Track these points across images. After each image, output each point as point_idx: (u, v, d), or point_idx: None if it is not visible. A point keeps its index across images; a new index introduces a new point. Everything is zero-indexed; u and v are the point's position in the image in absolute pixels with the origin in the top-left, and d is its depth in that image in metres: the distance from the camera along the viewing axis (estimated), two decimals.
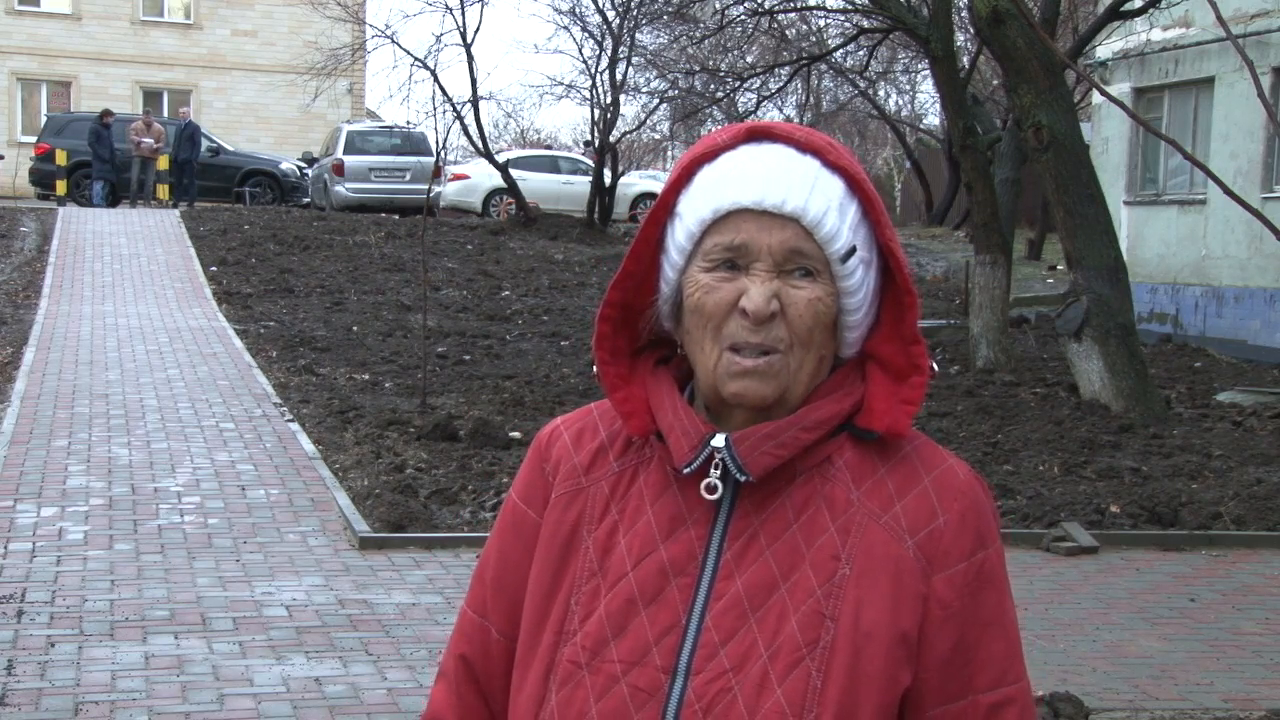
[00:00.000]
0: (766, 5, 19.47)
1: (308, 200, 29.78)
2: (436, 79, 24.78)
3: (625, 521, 1.54)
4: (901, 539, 1.49)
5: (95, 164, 27.06)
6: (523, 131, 43.34)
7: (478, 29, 41.98)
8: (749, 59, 26.50)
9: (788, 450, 1.48)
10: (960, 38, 23.95)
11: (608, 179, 26.49)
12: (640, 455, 1.57)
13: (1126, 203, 19.41)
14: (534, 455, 1.64)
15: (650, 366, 1.58)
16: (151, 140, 27.68)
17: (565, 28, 36.76)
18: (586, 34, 27.41)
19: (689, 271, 1.51)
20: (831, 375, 1.54)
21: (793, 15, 24.26)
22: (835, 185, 1.50)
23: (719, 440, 1.49)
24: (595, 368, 1.58)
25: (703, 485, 1.50)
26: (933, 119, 39.33)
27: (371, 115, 38.03)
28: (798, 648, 1.44)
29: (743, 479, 1.48)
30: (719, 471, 1.49)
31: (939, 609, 1.48)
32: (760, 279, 1.47)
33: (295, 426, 10.84)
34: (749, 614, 1.46)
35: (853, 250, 1.49)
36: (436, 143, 27.79)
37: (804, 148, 1.51)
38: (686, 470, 1.50)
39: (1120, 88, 19.36)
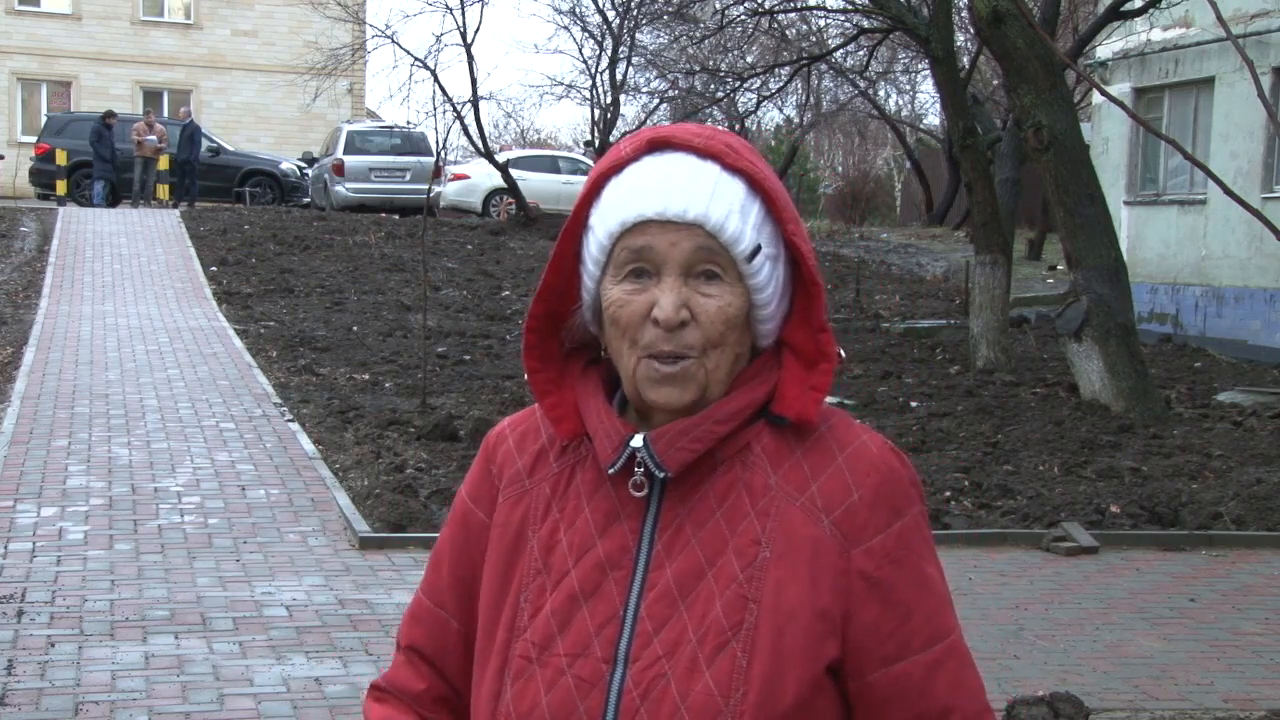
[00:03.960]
0: (766, 5, 19.47)
1: (308, 200, 29.77)
2: (436, 79, 24.79)
3: (565, 520, 1.61)
4: (818, 518, 1.55)
5: (96, 164, 27.06)
6: (523, 131, 43.34)
7: (478, 29, 42.05)
8: (749, 59, 26.51)
9: (703, 444, 1.55)
10: (960, 38, 23.96)
11: None
12: (577, 455, 1.64)
13: (1126, 203, 19.41)
14: (482, 457, 1.71)
15: (580, 369, 1.65)
16: (155, 139, 27.69)
17: (565, 28, 36.84)
18: (586, 34, 27.47)
19: (604, 283, 1.58)
20: (750, 364, 1.60)
21: (793, 15, 24.26)
22: (736, 188, 1.55)
23: (637, 440, 1.56)
24: (526, 376, 1.66)
25: (629, 484, 1.57)
26: (933, 119, 39.36)
27: (371, 115, 38.01)
28: (723, 630, 1.51)
29: (661, 475, 1.55)
30: (642, 469, 1.56)
31: (861, 581, 1.55)
32: (669, 287, 1.53)
33: (295, 426, 10.84)
34: (679, 601, 1.54)
35: (758, 249, 1.55)
36: (436, 143, 27.81)
37: (704, 154, 1.56)
38: (611, 470, 1.57)
39: (1120, 88, 19.36)
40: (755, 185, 1.56)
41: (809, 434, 1.59)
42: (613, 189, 1.58)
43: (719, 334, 1.54)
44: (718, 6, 21.23)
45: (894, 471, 1.59)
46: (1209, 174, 7.60)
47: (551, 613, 1.57)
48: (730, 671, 1.50)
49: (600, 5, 26.19)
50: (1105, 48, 19.81)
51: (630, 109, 36.40)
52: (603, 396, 1.61)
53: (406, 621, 1.74)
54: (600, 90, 26.72)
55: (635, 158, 1.58)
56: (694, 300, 1.53)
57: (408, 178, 28.08)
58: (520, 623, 1.59)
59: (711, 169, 1.55)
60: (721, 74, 23.34)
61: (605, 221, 1.56)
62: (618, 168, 1.58)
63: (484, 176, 28.52)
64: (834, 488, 1.56)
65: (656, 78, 28.69)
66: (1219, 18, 7.61)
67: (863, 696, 1.57)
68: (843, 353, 1.61)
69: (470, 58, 25.31)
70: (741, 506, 1.55)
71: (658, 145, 1.58)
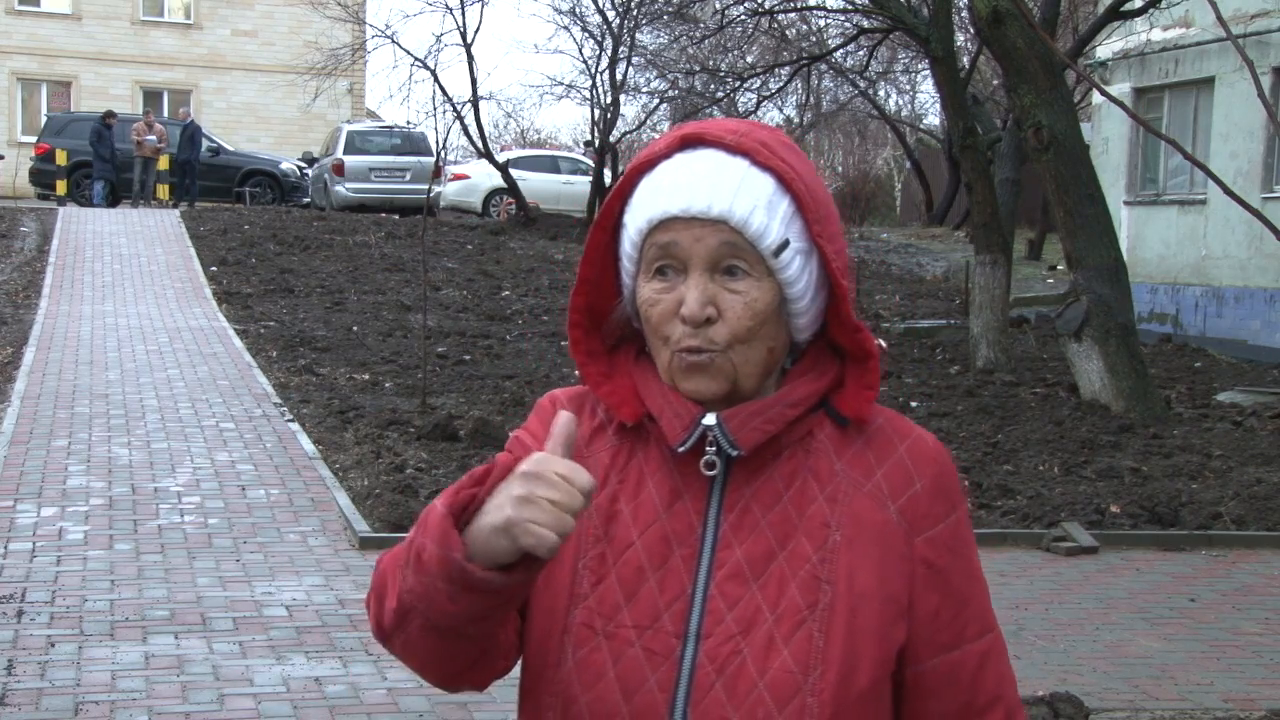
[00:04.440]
0: (766, 5, 19.47)
1: (308, 200, 29.77)
2: (436, 79, 24.80)
3: (626, 492, 1.61)
4: (884, 505, 1.60)
5: (96, 164, 27.06)
6: (523, 131, 43.32)
7: (478, 29, 42.06)
8: (749, 59, 26.50)
9: (775, 425, 1.58)
10: (960, 38, 23.96)
11: (608, 179, 26.49)
12: (637, 436, 1.64)
13: (1126, 203, 19.41)
14: (539, 416, 1.70)
15: (630, 360, 1.66)
16: (154, 139, 27.69)
17: (565, 28, 36.81)
18: (586, 34, 27.43)
19: (639, 280, 1.61)
20: (804, 356, 1.64)
21: (793, 15, 24.26)
22: (764, 184, 1.57)
23: (710, 419, 1.57)
24: (578, 371, 1.67)
25: (701, 462, 1.59)
26: (933, 119, 39.33)
27: (371, 115, 38.01)
28: (799, 610, 1.54)
29: (735, 454, 1.57)
30: (714, 449, 1.58)
31: (924, 569, 1.60)
32: (694, 284, 1.55)
33: (295, 426, 10.84)
34: (750, 581, 1.56)
35: (785, 244, 1.56)
36: (436, 143, 27.81)
37: (734, 150, 1.58)
38: (681, 449, 1.58)
39: (1120, 88, 19.36)
40: (785, 182, 1.58)
41: (867, 425, 1.64)
42: (645, 185, 1.60)
43: (746, 329, 1.56)
44: (718, 6, 21.22)
45: (948, 465, 1.66)
46: (1209, 174, 7.61)
47: (618, 582, 1.57)
48: (808, 650, 1.53)
49: (600, 5, 26.18)
50: (1105, 48, 19.82)
51: (630, 109, 36.46)
52: (662, 382, 1.62)
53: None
54: (600, 90, 26.71)
55: (668, 154, 1.60)
56: (720, 296, 1.56)
57: (408, 178, 28.08)
58: (580, 589, 1.58)
59: (739, 165, 1.57)
60: (721, 74, 23.33)
61: (635, 219, 1.59)
62: (650, 164, 1.61)
63: (484, 176, 28.52)
64: (897, 476, 1.61)
65: (656, 78, 28.68)
66: (1219, 18, 7.62)
67: (917, 683, 1.61)
68: (883, 343, 1.63)
69: (470, 58, 25.32)
70: (809, 491, 1.59)
71: (690, 141, 1.60)
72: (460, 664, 1.56)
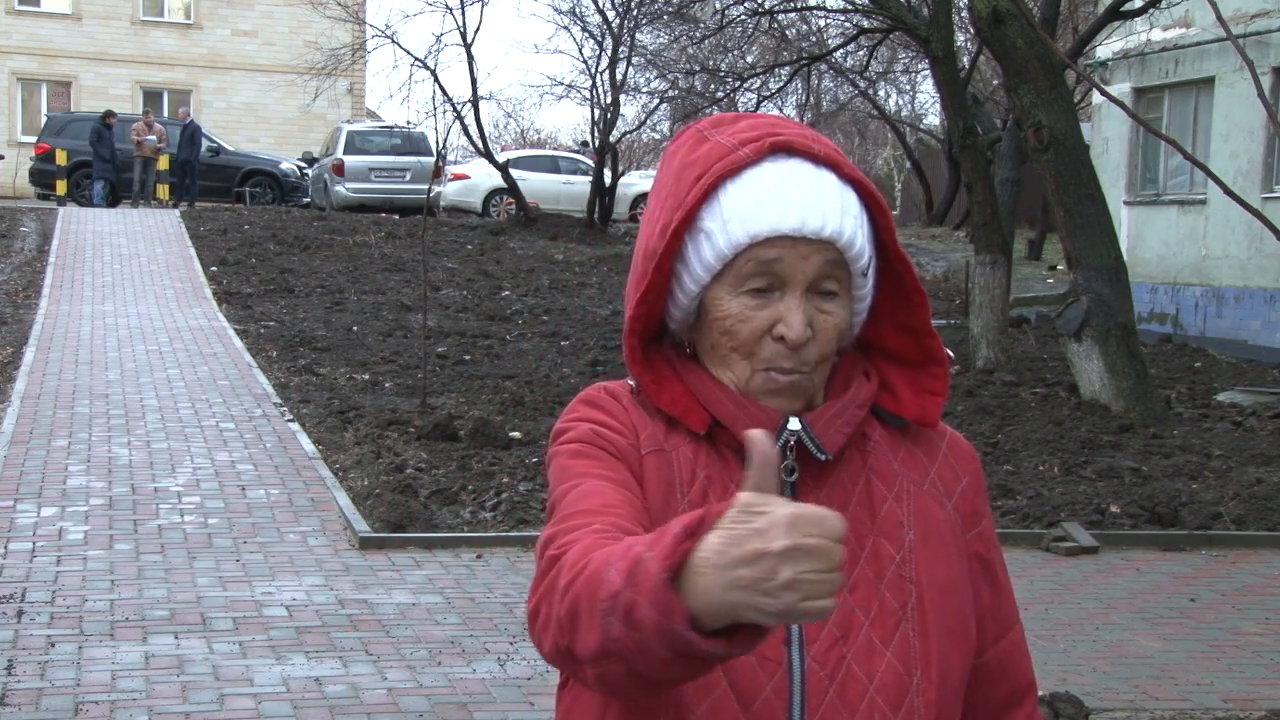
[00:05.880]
0: (766, 5, 19.47)
1: (308, 200, 29.77)
2: (436, 79, 24.79)
3: (715, 491, 1.55)
4: (943, 503, 1.62)
5: (96, 164, 27.06)
6: (523, 131, 43.33)
7: (478, 29, 42.04)
8: (749, 59, 26.50)
9: (850, 427, 1.57)
10: (960, 38, 23.95)
11: (608, 179, 26.48)
12: (697, 441, 1.58)
13: (1126, 203, 19.41)
14: (597, 407, 1.60)
15: (669, 363, 1.60)
16: (154, 139, 27.69)
17: (565, 28, 36.81)
18: (586, 34, 27.40)
19: (715, 290, 1.53)
20: (843, 359, 1.62)
21: (793, 15, 24.25)
22: (853, 200, 1.54)
23: (795, 423, 1.55)
24: (632, 380, 1.60)
25: (782, 467, 1.54)
26: (933, 119, 39.33)
27: (371, 115, 38.01)
28: (893, 612, 1.54)
29: (823, 458, 1.55)
30: (794, 454, 1.55)
31: (978, 563, 1.64)
32: (796, 305, 1.51)
33: (295, 426, 10.84)
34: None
35: (870, 261, 1.56)
36: (437, 143, 27.79)
37: (821, 162, 1.54)
38: None
39: (1120, 88, 19.36)
40: (865, 195, 1.56)
41: (911, 426, 1.63)
42: (736, 196, 1.52)
43: (832, 349, 1.55)
44: (718, 6, 21.22)
45: (979, 462, 1.70)
46: (1209, 174, 7.62)
47: None
48: (907, 652, 1.53)
49: (600, 5, 26.17)
50: (1105, 48, 19.81)
51: (630, 109, 36.45)
52: (723, 384, 1.56)
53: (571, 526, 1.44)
54: (600, 90, 26.68)
55: (755, 161, 1.53)
56: (815, 317, 1.52)
57: (408, 178, 28.08)
58: None
59: (831, 180, 1.53)
60: (721, 74, 23.33)
61: (729, 231, 1.51)
62: (735, 170, 1.53)
63: (484, 176, 28.52)
64: (947, 474, 1.64)
65: (656, 78, 28.65)
66: (1219, 18, 7.62)
67: (975, 674, 1.62)
68: (951, 354, 1.63)
69: (470, 58, 25.30)
70: (877, 491, 1.58)
71: (779, 150, 1.53)
72: (661, 691, 1.42)
